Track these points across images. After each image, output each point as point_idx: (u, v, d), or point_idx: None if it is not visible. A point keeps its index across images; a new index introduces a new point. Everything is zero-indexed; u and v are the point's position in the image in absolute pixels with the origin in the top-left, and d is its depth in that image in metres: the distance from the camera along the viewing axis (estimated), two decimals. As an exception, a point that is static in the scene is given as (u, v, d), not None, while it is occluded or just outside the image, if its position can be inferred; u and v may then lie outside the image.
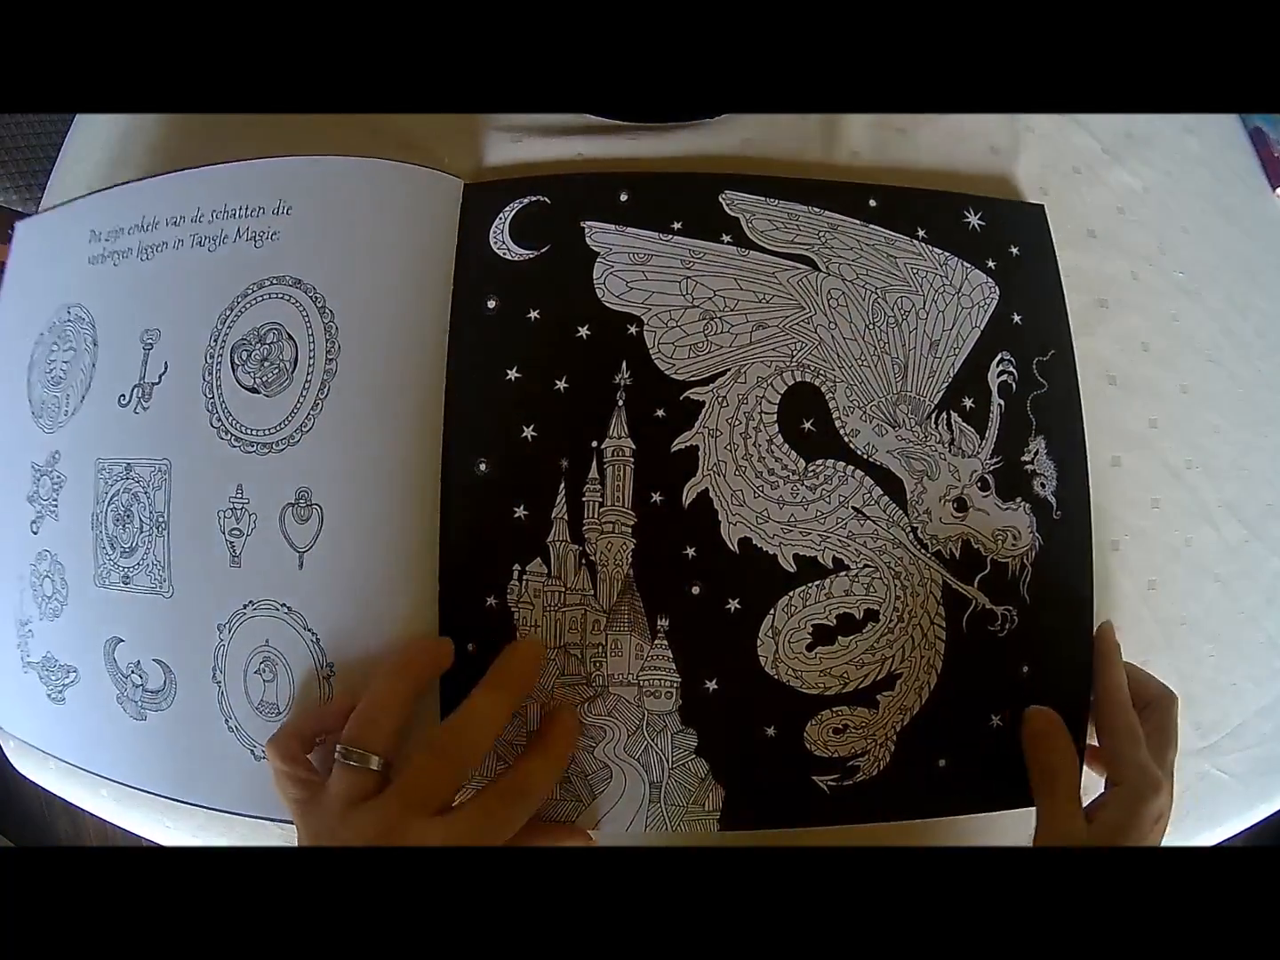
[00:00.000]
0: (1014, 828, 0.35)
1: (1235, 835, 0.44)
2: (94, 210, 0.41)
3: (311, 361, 0.35)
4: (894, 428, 0.35)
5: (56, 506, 0.39)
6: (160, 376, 0.37)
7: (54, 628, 0.39)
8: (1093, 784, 0.35)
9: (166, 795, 0.36)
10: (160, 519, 0.36)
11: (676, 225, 0.36)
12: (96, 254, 0.40)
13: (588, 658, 0.33)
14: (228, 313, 0.36)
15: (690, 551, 0.33)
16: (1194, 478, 0.42)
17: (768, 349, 0.35)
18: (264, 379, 0.35)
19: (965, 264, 0.37)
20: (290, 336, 0.35)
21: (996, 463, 0.36)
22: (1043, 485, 0.36)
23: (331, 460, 0.34)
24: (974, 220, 0.38)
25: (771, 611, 0.33)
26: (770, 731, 0.33)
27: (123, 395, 0.37)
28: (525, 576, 0.33)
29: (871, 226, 0.37)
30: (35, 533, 0.39)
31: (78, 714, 0.38)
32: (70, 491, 0.38)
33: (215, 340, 0.36)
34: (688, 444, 0.34)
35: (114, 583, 0.37)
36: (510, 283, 0.35)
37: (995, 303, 0.37)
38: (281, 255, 0.36)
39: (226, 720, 0.35)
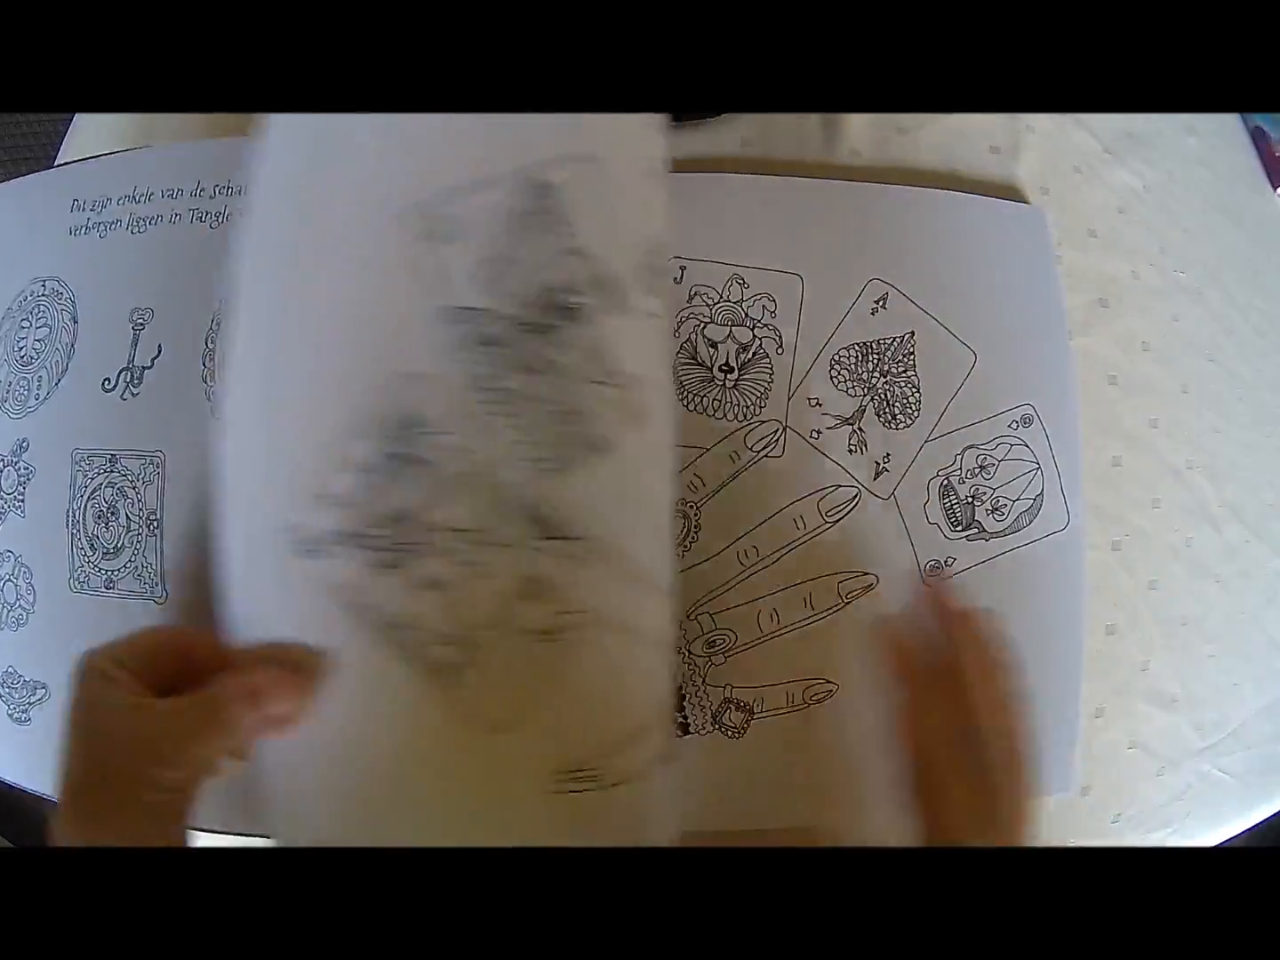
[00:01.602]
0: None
1: (1236, 835, 0.43)
2: (77, 178, 0.37)
3: None
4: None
5: (22, 502, 0.34)
6: (152, 360, 0.33)
7: (17, 639, 0.34)
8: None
9: None
10: (153, 518, 0.33)
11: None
12: (79, 224, 0.36)
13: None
14: None
15: None
16: (1194, 478, 0.42)
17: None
18: None
19: None
20: None
21: None
22: None
23: None
24: None
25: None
26: None
27: (107, 379, 0.34)
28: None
29: None
30: None
31: (48, 736, 0.32)
32: (40, 485, 0.34)
33: (219, 324, 0.33)
34: None
35: (94, 588, 0.33)
36: None
37: None
38: None
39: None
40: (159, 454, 0.33)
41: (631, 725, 0.24)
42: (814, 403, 0.36)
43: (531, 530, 0.22)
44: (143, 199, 0.35)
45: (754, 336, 0.36)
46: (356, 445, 0.22)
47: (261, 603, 0.23)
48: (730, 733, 0.34)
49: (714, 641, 0.34)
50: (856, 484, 0.36)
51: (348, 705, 0.23)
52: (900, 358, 0.37)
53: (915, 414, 0.36)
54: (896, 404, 0.36)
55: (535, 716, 0.23)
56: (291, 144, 0.26)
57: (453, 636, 0.22)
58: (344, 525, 0.22)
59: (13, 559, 0.35)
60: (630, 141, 0.26)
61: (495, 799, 0.23)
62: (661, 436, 0.24)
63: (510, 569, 0.22)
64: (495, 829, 0.24)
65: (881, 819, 0.36)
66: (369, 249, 0.24)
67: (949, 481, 0.36)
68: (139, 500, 0.33)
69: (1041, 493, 0.37)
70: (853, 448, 0.36)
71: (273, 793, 0.25)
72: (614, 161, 0.25)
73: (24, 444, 0.35)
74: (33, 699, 0.34)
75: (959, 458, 0.36)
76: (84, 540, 0.34)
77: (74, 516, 0.34)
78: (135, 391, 0.34)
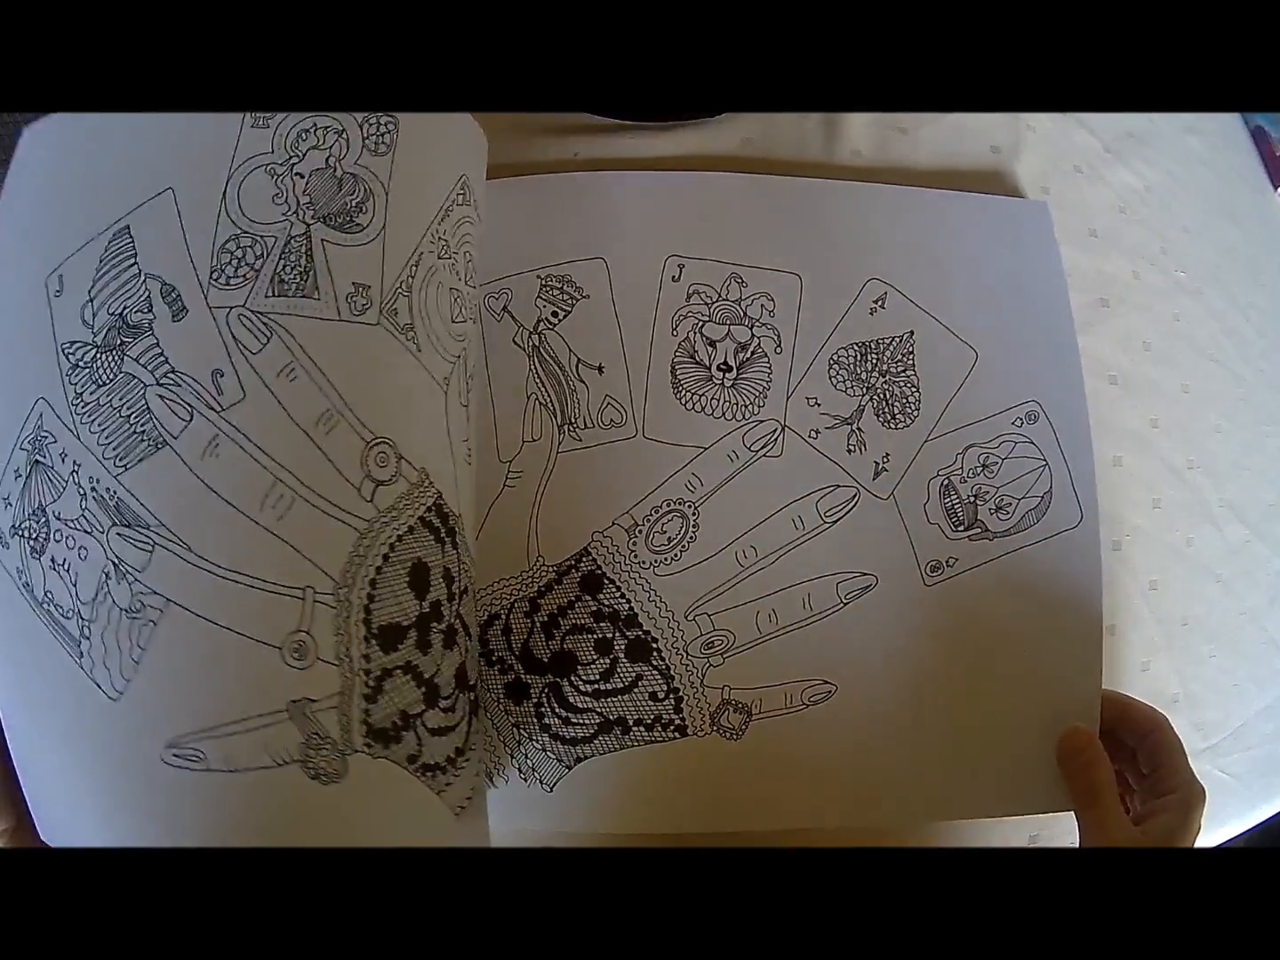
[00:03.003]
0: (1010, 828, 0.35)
1: (1237, 836, 0.43)
2: None
3: None
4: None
5: None
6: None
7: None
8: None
9: None
10: None
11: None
12: None
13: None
14: None
15: None
16: (1195, 477, 0.42)
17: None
18: None
19: None
20: None
21: None
22: None
23: None
24: None
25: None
26: None
27: None
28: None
29: None
30: None
31: None
32: None
33: None
34: None
35: None
36: None
37: None
38: None
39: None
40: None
41: (229, 714, 0.25)
42: (813, 402, 0.36)
43: (113, 518, 0.25)
44: None
45: (752, 335, 0.36)
46: (19, 456, 0.27)
47: None
48: (729, 734, 0.34)
49: (712, 642, 0.34)
50: (855, 484, 0.36)
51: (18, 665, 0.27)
52: (899, 357, 0.37)
53: (915, 413, 0.36)
54: (896, 404, 0.36)
55: (139, 687, 0.25)
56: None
57: (71, 610, 0.26)
58: (12, 521, 0.27)
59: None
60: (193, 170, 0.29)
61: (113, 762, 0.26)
62: (243, 421, 0.25)
63: (100, 553, 0.25)
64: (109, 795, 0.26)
65: (881, 819, 0.36)
66: (17, 306, 0.29)
67: (950, 481, 0.36)
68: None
69: (1050, 490, 0.37)
70: (851, 448, 0.36)
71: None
72: (180, 191, 0.28)
73: None
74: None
75: (960, 457, 0.36)
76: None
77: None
78: None
